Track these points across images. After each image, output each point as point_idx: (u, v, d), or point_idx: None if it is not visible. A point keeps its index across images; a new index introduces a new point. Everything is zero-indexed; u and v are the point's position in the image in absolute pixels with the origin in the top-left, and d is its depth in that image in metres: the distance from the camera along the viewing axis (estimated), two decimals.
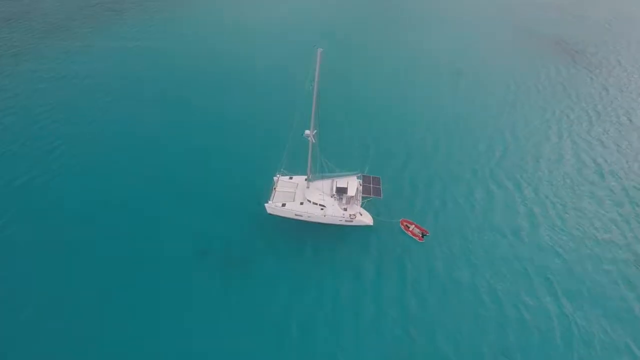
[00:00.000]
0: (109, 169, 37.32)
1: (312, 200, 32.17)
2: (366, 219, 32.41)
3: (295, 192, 33.83)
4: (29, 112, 44.44)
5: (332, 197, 32.21)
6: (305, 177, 33.89)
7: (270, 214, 33.09)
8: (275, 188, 33.91)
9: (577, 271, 31.20)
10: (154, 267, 30.12)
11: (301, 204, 32.60)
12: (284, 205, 32.54)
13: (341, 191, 32.14)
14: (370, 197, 32.22)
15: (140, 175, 36.99)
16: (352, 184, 32.76)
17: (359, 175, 33.65)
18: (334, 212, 31.87)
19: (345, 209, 32.19)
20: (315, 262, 30.84)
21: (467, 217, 34.71)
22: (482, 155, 41.72)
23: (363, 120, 45.18)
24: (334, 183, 32.81)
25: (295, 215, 32.53)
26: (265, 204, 32.54)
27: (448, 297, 28.77)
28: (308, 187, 33.27)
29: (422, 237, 32.11)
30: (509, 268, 30.88)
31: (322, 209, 32.09)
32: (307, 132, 29.44)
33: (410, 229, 32.70)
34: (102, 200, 34.60)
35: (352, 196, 32.06)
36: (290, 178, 35.14)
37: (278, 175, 34.62)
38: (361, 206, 33.17)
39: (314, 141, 29.38)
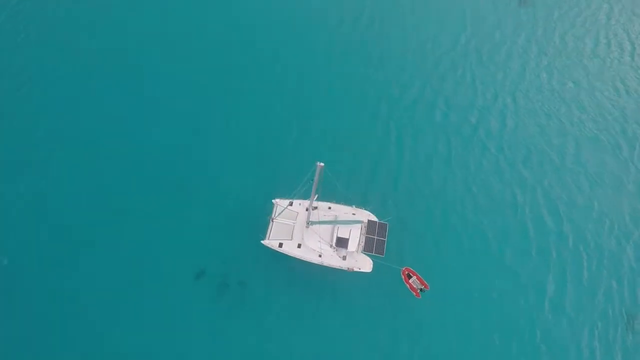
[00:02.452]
0: (105, 173, 34.78)
1: (309, 246, 30.30)
2: (365, 267, 30.72)
3: (294, 226, 31.56)
4: None
5: (330, 247, 30.06)
6: (307, 207, 31.11)
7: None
8: (273, 219, 31.56)
9: None
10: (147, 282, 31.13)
11: (299, 245, 30.84)
12: (280, 245, 30.89)
13: (341, 243, 29.66)
14: (372, 253, 29.81)
15: (136, 181, 34.59)
16: (355, 232, 29.94)
17: (364, 219, 30.48)
18: (331, 262, 30.28)
19: (344, 257, 30.41)
20: (302, 300, 30.86)
21: (487, 274, 31.60)
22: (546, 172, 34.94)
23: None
24: (335, 230, 30.03)
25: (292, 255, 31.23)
26: (262, 242, 30.98)
27: None
28: (307, 227, 30.77)
29: (420, 292, 30.99)
30: None
31: (319, 256, 30.48)
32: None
33: (411, 281, 31.29)
34: (95, 209, 33.57)
35: (353, 251, 29.74)
36: (291, 203, 32.25)
37: (277, 200, 31.89)
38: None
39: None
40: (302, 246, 30.67)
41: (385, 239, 30.00)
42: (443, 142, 36.12)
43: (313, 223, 30.33)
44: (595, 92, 38.74)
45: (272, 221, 31.51)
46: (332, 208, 31.88)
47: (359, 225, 30.19)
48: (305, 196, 30.78)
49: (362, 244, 30.29)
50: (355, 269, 30.34)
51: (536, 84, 38.60)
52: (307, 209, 31.14)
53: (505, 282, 31.80)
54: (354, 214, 31.66)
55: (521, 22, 40.17)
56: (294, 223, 31.57)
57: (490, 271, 31.97)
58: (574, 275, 32.33)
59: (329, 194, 31.98)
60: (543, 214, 34.34)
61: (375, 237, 30.04)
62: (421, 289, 31.19)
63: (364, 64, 39.24)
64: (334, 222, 30.20)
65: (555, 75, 38.94)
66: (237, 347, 28.86)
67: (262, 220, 32.11)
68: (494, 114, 37.26)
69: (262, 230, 31.36)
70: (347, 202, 32.73)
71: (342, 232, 29.86)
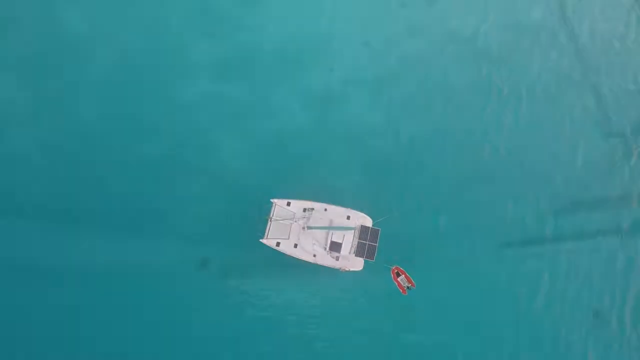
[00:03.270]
0: (107, 167, 35.38)
1: (304, 248, 32.20)
2: (356, 266, 32.82)
3: (291, 225, 33.16)
4: None
5: (324, 249, 31.90)
6: (304, 207, 32.56)
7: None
8: (270, 218, 33.08)
9: None
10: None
11: (295, 245, 32.73)
12: (278, 244, 32.82)
13: (335, 247, 31.49)
14: (363, 258, 31.57)
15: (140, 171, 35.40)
16: (348, 237, 31.61)
17: (357, 225, 31.91)
18: (325, 262, 32.36)
19: (337, 258, 32.41)
20: (296, 294, 33.93)
21: (474, 276, 33.52)
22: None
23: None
24: (330, 235, 31.65)
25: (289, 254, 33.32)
26: (260, 240, 32.88)
27: None
28: (304, 229, 32.33)
29: (407, 289, 33.28)
30: None
31: (314, 256, 32.50)
32: None
33: (399, 279, 33.44)
34: (96, 201, 34.65)
35: (346, 255, 31.58)
36: (288, 204, 33.47)
37: (275, 200, 33.16)
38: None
39: None
40: (297, 246, 32.65)
41: (377, 244, 31.61)
42: (446, 144, 35.77)
43: (310, 228, 31.89)
44: (613, 87, 36.49)
45: (270, 221, 33.09)
46: (327, 210, 33.04)
47: (352, 231, 31.66)
48: (303, 197, 32.61)
49: (355, 247, 32.06)
50: (348, 269, 32.64)
51: (556, 81, 36.44)
52: (304, 210, 32.64)
53: (489, 284, 34.04)
54: (348, 216, 32.94)
55: (550, 9, 36.45)
56: (291, 223, 33.13)
57: (477, 274, 34.07)
58: (568, 282, 33.98)
59: (326, 195, 33.08)
60: (543, 218, 34.91)
61: (367, 243, 31.62)
62: (408, 287, 33.59)
63: (368, 62, 37.32)
64: (330, 228, 31.66)
65: (578, 69, 36.47)
66: (233, 338, 32.58)
67: (263, 216, 33.56)
68: (506, 113, 35.98)
69: (261, 229, 33.14)
70: (343, 201, 33.75)
71: (336, 237, 31.55)
